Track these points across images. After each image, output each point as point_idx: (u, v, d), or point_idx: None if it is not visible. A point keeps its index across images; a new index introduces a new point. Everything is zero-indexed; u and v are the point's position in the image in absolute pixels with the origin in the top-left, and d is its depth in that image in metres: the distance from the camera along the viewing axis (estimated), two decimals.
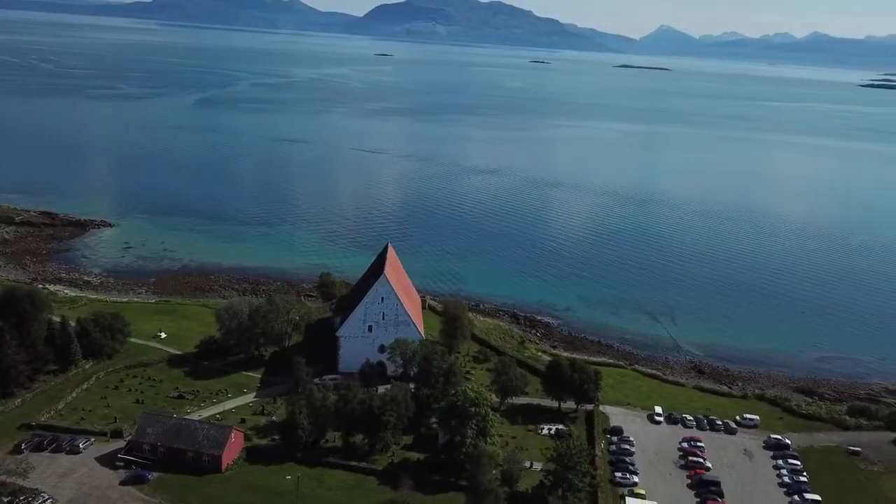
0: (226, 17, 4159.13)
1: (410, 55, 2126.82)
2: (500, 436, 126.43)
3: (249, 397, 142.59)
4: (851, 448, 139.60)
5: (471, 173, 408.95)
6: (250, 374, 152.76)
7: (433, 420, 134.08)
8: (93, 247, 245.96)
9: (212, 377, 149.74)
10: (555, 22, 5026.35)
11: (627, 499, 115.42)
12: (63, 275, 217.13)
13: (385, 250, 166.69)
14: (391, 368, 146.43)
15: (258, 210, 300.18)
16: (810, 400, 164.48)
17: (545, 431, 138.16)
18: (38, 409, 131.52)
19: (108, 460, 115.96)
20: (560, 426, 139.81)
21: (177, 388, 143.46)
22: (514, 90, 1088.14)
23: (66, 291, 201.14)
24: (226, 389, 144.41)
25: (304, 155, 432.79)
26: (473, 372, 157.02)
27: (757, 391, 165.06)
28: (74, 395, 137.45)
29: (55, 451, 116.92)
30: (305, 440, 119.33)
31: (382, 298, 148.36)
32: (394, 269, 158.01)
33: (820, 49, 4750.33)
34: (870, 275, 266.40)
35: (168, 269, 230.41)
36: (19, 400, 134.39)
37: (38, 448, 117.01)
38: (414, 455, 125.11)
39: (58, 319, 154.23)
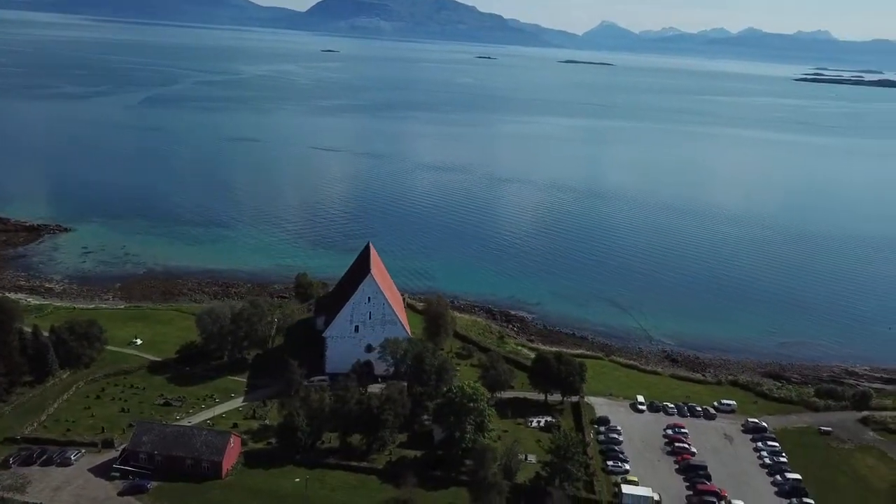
0: (159, 11, 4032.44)
1: (356, 51, 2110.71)
2: (495, 430, 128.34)
3: (238, 402, 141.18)
4: (823, 428, 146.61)
5: (432, 170, 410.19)
6: (235, 378, 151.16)
7: (425, 417, 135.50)
8: (50, 252, 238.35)
9: (196, 383, 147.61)
10: (498, 17, 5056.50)
11: (623, 486, 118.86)
12: (23, 282, 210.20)
13: (367, 249, 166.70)
14: (381, 368, 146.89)
15: (220, 211, 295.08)
16: (779, 384, 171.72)
17: (535, 424, 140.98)
18: (19, 423, 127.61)
19: (102, 471, 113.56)
20: (549, 418, 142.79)
21: (162, 395, 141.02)
22: (465, 86, 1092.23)
23: (28, 300, 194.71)
24: (213, 395, 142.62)
25: (261, 154, 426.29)
26: (459, 368, 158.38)
27: (730, 377, 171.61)
28: (56, 406, 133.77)
29: (45, 464, 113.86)
30: (304, 442, 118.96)
31: (369, 298, 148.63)
32: (378, 268, 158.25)
33: (754, 44, 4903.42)
34: (818, 262, 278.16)
35: (133, 273, 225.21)
36: None
37: (26, 462, 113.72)
38: (410, 453, 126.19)
39: (28, 329, 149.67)
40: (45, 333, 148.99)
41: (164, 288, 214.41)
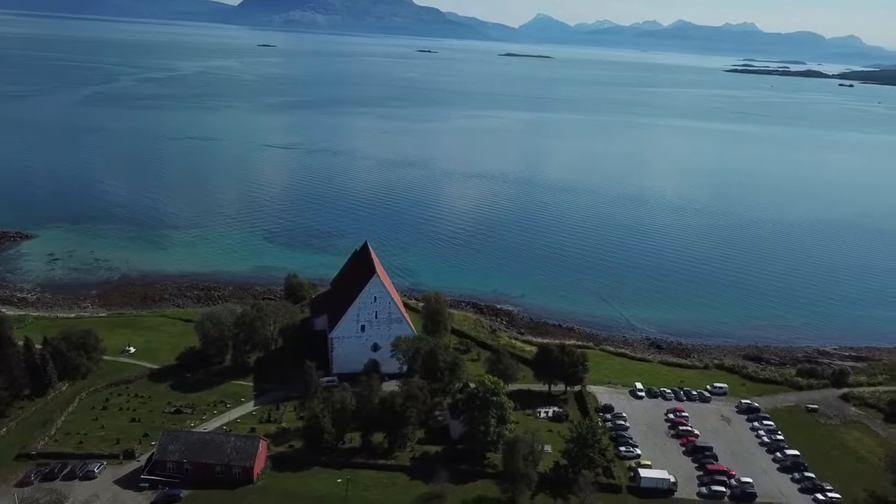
0: (80, 5, 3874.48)
1: (294, 46, 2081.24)
2: (516, 422, 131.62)
3: (250, 406, 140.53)
4: (810, 406, 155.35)
5: (396, 167, 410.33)
6: (240, 382, 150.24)
7: (438, 413, 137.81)
8: (15, 261, 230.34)
9: (201, 389, 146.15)
10: (435, 11, 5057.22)
11: (640, 470, 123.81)
12: None
13: (365, 249, 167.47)
14: (390, 366, 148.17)
15: (186, 213, 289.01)
16: (760, 366, 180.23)
17: (543, 415, 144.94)
18: (27, 438, 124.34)
19: (128, 482, 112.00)
20: (556, 408, 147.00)
21: (170, 403, 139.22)
22: (413, 80, 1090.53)
23: (2, 310, 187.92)
24: (223, 400, 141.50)
25: (218, 153, 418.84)
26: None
27: (716, 362, 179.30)
28: (63, 419, 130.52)
29: (68, 478, 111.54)
30: (330, 443, 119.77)
31: (375, 298, 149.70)
32: (380, 267, 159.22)
33: (684, 36, 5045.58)
34: (779, 248, 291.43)
35: (107, 279, 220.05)
36: (4, 429, 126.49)
37: (48, 477, 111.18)
38: (428, 449, 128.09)
39: (20, 342, 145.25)
40: (38, 346, 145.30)
41: (144, 293, 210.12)
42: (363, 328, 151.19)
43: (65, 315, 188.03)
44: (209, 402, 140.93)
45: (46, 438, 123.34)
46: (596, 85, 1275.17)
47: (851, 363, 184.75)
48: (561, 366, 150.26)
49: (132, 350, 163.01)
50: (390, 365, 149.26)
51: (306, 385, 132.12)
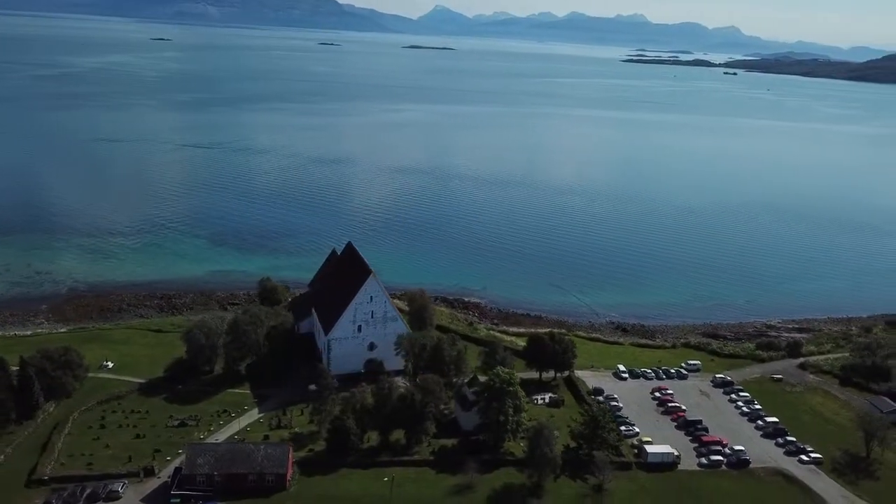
0: None
1: (190, 40, 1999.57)
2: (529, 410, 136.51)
3: (255, 413, 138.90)
4: (775, 376, 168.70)
5: (325, 163, 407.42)
6: (236, 390, 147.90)
7: (444, 407, 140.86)
8: None
9: (199, 400, 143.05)
10: (333, 2, 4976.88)
11: (646, 446, 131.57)
12: None
13: (351, 249, 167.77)
14: (391, 364, 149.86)
15: (119, 218, 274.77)
16: (720, 342, 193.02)
17: (540, 401, 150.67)
18: (27, 463, 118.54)
19: (155, 499, 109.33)
20: (551, 395, 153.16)
21: (171, 417, 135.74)
22: (323, 75, 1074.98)
23: None
24: (225, 410, 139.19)
25: (136, 154, 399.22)
26: None
27: (682, 341, 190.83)
28: (62, 441, 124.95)
29: (91, 499, 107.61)
30: (355, 444, 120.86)
31: (371, 298, 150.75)
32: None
33: (578, 27, 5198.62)
34: (710, 230, 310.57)
35: (56, 293, 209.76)
36: (1, 456, 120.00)
37: (70, 501, 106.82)
38: (443, 442, 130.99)
39: None
40: (14, 367, 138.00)
41: (100, 305, 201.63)
42: (359, 328, 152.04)
43: (20, 333, 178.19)
44: (211, 412, 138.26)
45: (52, 462, 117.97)
46: (505, 76, 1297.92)
47: (797, 335, 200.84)
48: (552, 353, 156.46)
49: (110, 365, 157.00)
50: (389, 363, 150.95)
51: (320, 388, 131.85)
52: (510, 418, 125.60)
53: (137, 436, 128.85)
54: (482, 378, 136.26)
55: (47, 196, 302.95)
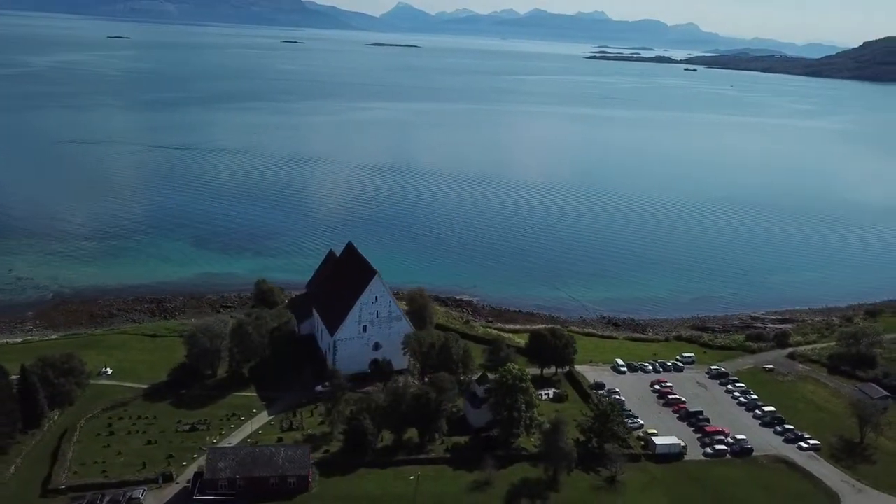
0: None
1: (149, 37, 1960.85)
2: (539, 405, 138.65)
3: (264, 416, 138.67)
4: (766, 366, 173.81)
5: (304, 162, 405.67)
6: (242, 394, 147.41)
7: (452, 405, 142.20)
8: None
9: (205, 405, 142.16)
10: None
11: (654, 438, 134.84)
12: None
13: (352, 250, 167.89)
14: (396, 363, 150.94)
15: (96, 222, 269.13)
16: (709, 335, 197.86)
17: (544, 396, 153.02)
18: (38, 473, 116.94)
19: None
20: (555, 390, 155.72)
21: (180, 422, 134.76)
22: (291, 73, 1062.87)
23: None
24: (234, 413, 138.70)
25: (108, 156, 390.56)
26: None
27: (673, 334, 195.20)
28: (73, 450, 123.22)
29: None
30: (372, 443, 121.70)
31: (377, 298, 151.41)
32: None
33: (540, 24, 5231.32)
34: (692, 224, 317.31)
35: (41, 299, 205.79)
36: (12, 467, 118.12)
37: None
38: (454, 440, 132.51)
39: None
40: (14, 376, 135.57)
41: (89, 311, 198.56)
42: (364, 328, 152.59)
43: (11, 340, 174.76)
44: (220, 416, 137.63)
45: (66, 472, 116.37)
46: (473, 74, 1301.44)
47: (781, 326, 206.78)
48: (553, 349, 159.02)
49: (109, 371, 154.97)
50: (393, 362, 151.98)
51: (332, 388, 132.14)
52: (523, 414, 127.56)
53: (149, 442, 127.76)
54: (490, 375, 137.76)
55: (20, 200, 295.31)
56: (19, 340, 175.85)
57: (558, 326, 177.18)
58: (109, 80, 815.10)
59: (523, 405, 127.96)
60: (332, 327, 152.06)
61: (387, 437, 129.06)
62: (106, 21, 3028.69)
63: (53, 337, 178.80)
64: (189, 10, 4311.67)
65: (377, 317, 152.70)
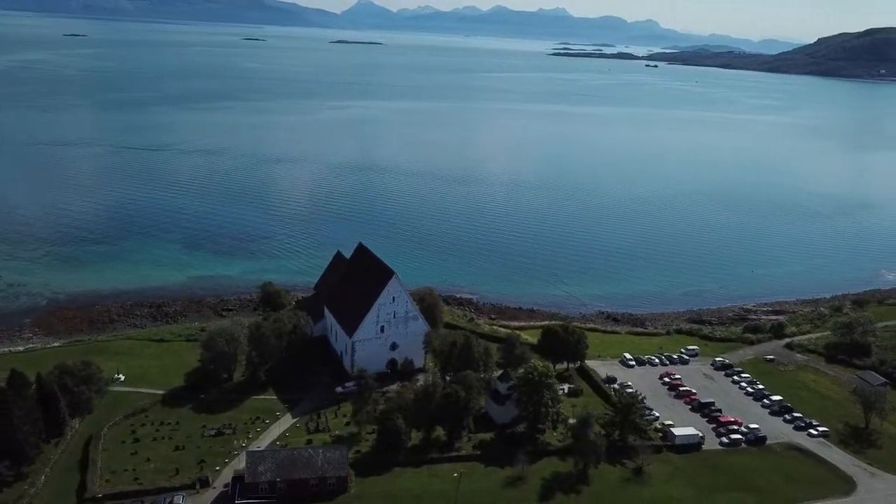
0: None
1: (107, 35, 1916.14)
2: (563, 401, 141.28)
3: (289, 418, 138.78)
4: (767, 357, 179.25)
5: (286, 162, 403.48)
6: (263, 397, 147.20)
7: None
8: None
9: (227, 409, 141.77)
10: None
11: (672, 429, 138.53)
12: None
13: (364, 251, 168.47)
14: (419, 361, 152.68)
15: (84, 226, 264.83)
16: (708, 327, 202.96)
17: (560, 392, 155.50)
18: (69, 482, 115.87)
19: None
20: (569, 385, 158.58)
21: (205, 426, 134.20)
22: (257, 71, 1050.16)
23: None
24: (258, 417, 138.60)
25: (82, 159, 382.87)
26: None
27: (674, 328, 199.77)
28: (101, 458, 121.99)
29: None
30: (404, 443, 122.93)
31: (394, 298, 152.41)
32: None
33: (502, 21, 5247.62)
34: (678, 219, 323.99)
35: (35, 306, 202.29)
36: (42, 477, 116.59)
37: None
38: (480, 437, 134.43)
39: None
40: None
41: (88, 317, 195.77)
42: (382, 329, 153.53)
43: (14, 349, 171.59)
44: (244, 420, 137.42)
45: (99, 481, 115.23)
46: (441, 71, 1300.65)
47: (774, 317, 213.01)
48: (566, 345, 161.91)
49: (122, 378, 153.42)
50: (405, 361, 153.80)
51: (361, 389, 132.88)
52: (549, 409, 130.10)
53: (176, 448, 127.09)
54: (512, 372, 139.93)
55: (3, 204, 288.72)
56: (21, 349, 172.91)
57: (569, 323, 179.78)
58: (72, 79, 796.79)
59: (549, 400, 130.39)
60: (350, 328, 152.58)
61: (414, 436, 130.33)
62: (60, 18, 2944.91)
63: (56, 344, 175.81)
64: (145, 7, 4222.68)
65: (394, 317, 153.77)
